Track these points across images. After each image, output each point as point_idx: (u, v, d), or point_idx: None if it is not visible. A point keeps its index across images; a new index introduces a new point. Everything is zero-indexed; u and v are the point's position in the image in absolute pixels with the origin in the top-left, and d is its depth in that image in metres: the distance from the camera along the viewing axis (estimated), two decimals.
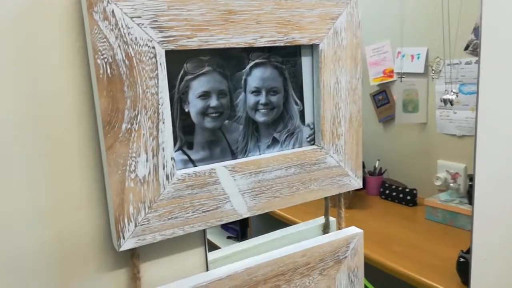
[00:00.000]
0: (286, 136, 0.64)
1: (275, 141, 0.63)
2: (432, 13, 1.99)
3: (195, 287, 0.57)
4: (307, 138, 0.65)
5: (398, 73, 2.25)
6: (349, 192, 2.22)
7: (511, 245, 0.94)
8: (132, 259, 0.55)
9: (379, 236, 1.91)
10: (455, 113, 2.08)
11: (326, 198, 0.71)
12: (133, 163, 0.52)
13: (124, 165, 0.51)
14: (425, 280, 1.55)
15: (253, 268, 0.61)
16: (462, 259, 1.46)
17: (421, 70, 2.14)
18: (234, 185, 0.59)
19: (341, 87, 0.64)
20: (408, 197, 2.12)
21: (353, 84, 0.66)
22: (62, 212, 0.52)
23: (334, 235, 0.69)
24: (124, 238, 0.52)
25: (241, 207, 0.60)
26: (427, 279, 1.54)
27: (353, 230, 0.70)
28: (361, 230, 0.71)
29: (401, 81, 2.20)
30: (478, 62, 0.89)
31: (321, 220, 0.73)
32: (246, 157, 0.61)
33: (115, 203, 0.51)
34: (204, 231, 0.62)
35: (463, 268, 1.39)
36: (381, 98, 2.34)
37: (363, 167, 2.31)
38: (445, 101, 2.02)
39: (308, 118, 0.65)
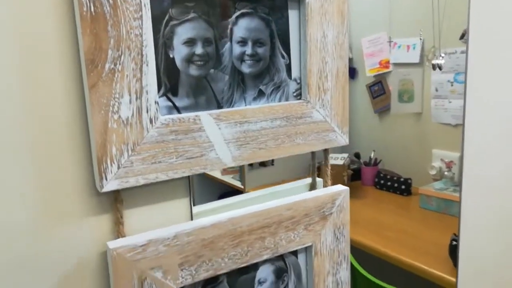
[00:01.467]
0: (273, 89, 0.64)
1: (261, 94, 0.63)
2: (427, 3, 2.00)
3: (178, 234, 0.57)
4: (294, 92, 0.66)
5: (394, 64, 2.25)
6: (344, 180, 2.22)
7: (498, 229, 0.94)
8: (115, 203, 0.56)
9: (373, 223, 1.91)
10: (450, 102, 2.09)
11: (313, 156, 0.71)
12: (116, 104, 0.52)
13: (107, 105, 0.51)
14: (418, 264, 1.55)
15: (238, 219, 0.61)
16: (454, 242, 1.46)
17: (417, 60, 2.15)
18: (219, 134, 0.59)
19: (328, 41, 0.65)
20: (403, 187, 2.13)
21: (340, 39, 0.66)
22: (44, 152, 0.52)
23: (320, 192, 0.69)
24: (106, 179, 0.52)
25: (225, 156, 0.60)
26: (420, 263, 1.54)
27: (339, 187, 0.70)
28: (347, 188, 0.71)
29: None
30: (466, 51, 0.90)
31: (308, 180, 0.74)
32: (231, 107, 0.61)
33: (97, 143, 0.51)
34: (189, 182, 0.62)
35: (455, 252, 1.39)
36: (377, 89, 2.35)
37: (359, 157, 2.31)
38: (433, 66, 2.03)
39: (294, 72, 0.65)
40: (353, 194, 2.25)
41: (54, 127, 0.52)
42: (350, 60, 2.46)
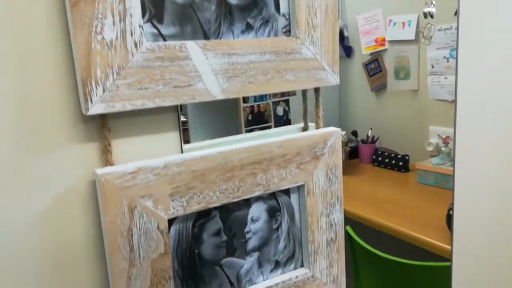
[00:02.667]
0: (261, 24, 0.63)
1: (249, 27, 0.62)
2: None
3: (168, 164, 0.56)
4: (283, 29, 0.65)
5: (389, 41, 2.24)
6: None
7: (490, 199, 0.94)
8: (103, 130, 0.55)
9: (372, 198, 1.91)
10: (446, 78, 2.08)
11: (304, 99, 0.71)
12: (99, 24, 0.51)
13: (90, 25, 0.50)
14: (416, 235, 1.55)
15: (228, 153, 0.60)
16: (451, 212, 1.45)
17: (412, 37, 2.14)
18: (206, 64, 0.58)
19: None
20: (401, 163, 2.12)
21: None
22: (27, 76, 0.51)
23: (312, 132, 0.68)
24: (91, 101, 0.51)
25: (214, 88, 0.59)
26: (419, 234, 1.53)
27: (331, 129, 0.70)
28: (338, 129, 0.70)
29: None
30: (457, 26, 0.89)
31: (300, 124, 0.73)
32: (219, 39, 0.60)
33: (81, 64, 0.50)
34: (178, 117, 0.61)
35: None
36: (373, 67, 2.34)
37: (356, 136, 2.31)
38: (425, 14, 2.02)
39: (283, 7, 0.64)
40: (351, 172, 2.25)
41: (36, 50, 0.51)
42: (346, 38, 2.45)
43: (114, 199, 0.53)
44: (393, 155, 2.16)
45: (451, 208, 1.48)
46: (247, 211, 0.65)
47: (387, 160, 2.17)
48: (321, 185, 0.68)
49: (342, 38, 2.42)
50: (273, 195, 0.67)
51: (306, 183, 0.67)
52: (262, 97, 1.54)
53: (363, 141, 2.29)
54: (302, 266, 0.70)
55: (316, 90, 0.70)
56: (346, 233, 1.64)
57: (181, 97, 0.57)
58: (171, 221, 0.59)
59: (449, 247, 1.40)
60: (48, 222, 0.53)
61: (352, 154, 2.30)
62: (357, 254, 1.65)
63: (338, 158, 0.70)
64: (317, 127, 0.72)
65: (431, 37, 2.09)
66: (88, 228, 0.56)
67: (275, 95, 1.53)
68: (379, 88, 2.34)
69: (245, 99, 1.49)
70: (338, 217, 0.71)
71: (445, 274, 1.25)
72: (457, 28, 0.87)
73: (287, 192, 0.68)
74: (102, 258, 0.56)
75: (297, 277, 0.68)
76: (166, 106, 0.56)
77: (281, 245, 0.68)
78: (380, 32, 2.27)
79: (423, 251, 1.49)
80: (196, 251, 0.61)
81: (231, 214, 0.64)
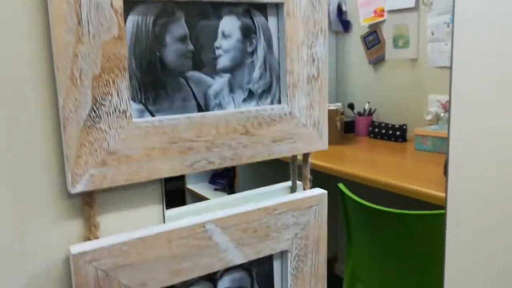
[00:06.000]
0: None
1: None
2: None
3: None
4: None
5: (389, 11, 2.20)
6: (337, 125, 2.13)
7: (484, 158, 0.90)
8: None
9: (370, 162, 1.84)
10: (446, 44, 2.03)
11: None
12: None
13: None
14: (410, 186, 1.48)
15: None
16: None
17: (412, 5, 2.10)
18: None
19: None
20: (398, 133, 2.05)
21: None
22: None
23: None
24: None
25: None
26: (418, 186, 1.46)
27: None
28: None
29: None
30: None
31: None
32: None
33: None
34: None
35: None
36: (372, 39, 2.29)
37: (352, 108, 2.24)
38: None
39: None
40: (346, 143, 2.17)
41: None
42: (344, 13, 2.41)
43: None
44: (390, 125, 2.09)
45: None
46: (217, 22, 0.58)
47: (383, 131, 2.10)
48: (303, 9, 0.61)
49: (340, 12, 2.38)
50: (248, 13, 0.60)
51: (286, 1, 0.60)
52: None
53: (360, 114, 2.22)
54: (279, 103, 0.62)
55: None
56: (339, 190, 1.56)
57: None
58: (128, 6, 0.51)
59: (444, 194, 1.32)
60: None
61: (348, 128, 2.23)
62: (350, 213, 1.56)
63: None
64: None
65: (431, 3, 2.05)
66: None
67: None
68: (377, 60, 2.29)
69: None
70: (321, 52, 0.63)
71: (439, 223, 1.18)
72: None
73: (264, 12, 0.60)
74: None
75: (272, 109, 0.60)
76: None
77: (256, 73, 0.60)
78: (379, 2, 2.23)
79: (417, 205, 1.41)
80: (158, 54, 0.54)
81: (198, 20, 0.56)
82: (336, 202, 1.62)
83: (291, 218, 0.54)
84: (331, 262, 2.35)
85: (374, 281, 1.58)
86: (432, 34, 2.05)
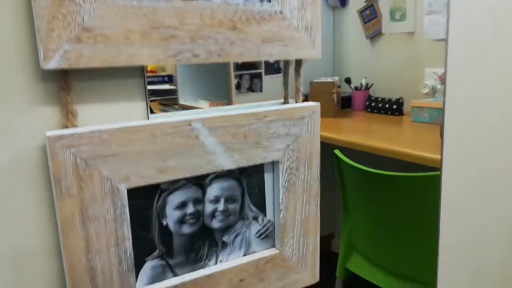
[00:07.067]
0: None
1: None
2: None
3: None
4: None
5: None
6: (333, 98, 2.09)
7: (477, 124, 0.88)
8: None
9: (367, 131, 1.81)
10: (443, 16, 2.00)
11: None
12: None
13: None
14: (412, 152, 1.45)
15: None
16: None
17: None
18: None
19: None
20: (395, 106, 2.02)
21: None
22: None
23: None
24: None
25: None
26: (414, 150, 1.44)
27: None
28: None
29: None
30: None
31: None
32: None
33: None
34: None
35: None
36: (369, 13, 2.26)
37: (349, 83, 2.21)
38: None
39: None
40: (343, 117, 2.13)
41: None
42: None
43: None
44: (387, 99, 2.06)
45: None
46: None
47: (380, 105, 2.07)
48: None
49: None
50: None
51: None
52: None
53: (357, 89, 2.19)
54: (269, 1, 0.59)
55: None
56: (335, 156, 1.54)
57: None
58: None
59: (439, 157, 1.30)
60: None
61: (345, 103, 2.20)
62: (346, 179, 1.53)
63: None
64: None
65: None
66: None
67: None
68: (374, 34, 2.25)
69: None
70: None
71: (433, 185, 1.15)
72: None
73: None
74: None
75: (262, 5, 0.56)
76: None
77: None
78: None
79: (413, 171, 1.39)
80: None
81: None
82: (334, 180, 1.59)
83: (283, 128, 0.51)
84: (328, 238, 2.33)
85: (369, 249, 1.55)
86: (429, 6, 2.02)
